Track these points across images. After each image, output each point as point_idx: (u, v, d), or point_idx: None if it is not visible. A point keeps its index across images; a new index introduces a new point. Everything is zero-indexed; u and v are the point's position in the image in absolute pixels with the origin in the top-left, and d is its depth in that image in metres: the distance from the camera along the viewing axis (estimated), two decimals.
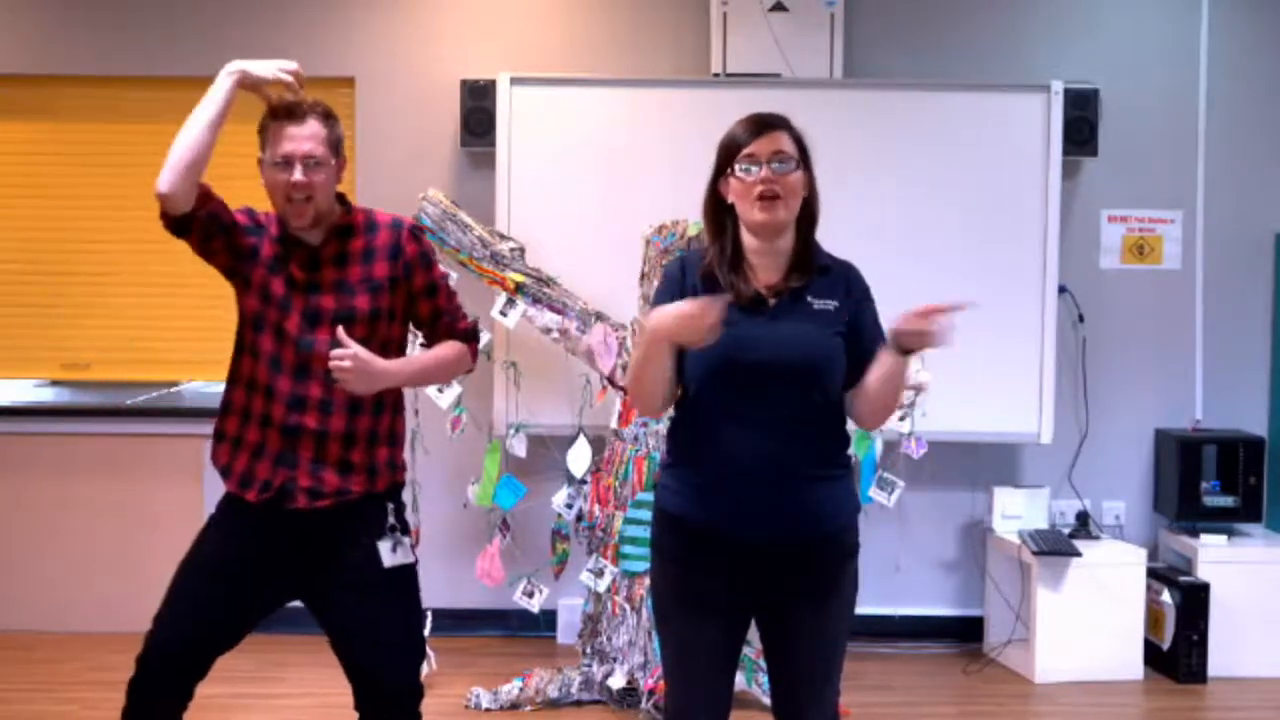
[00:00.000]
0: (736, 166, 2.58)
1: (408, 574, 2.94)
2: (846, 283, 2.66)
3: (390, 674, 2.91)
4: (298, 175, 2.80)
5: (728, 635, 2.66)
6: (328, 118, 2.87)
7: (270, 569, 2.88)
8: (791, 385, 2.55)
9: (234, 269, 2.90)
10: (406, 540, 2.93)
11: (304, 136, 2.82)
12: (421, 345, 3.10)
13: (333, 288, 2.87)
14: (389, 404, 2.95)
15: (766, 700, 4.22)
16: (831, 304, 2.61)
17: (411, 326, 3.04)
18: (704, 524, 2.59)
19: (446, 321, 3.04)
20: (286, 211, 2.84)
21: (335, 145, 2.88)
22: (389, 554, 2.88)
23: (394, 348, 2.95)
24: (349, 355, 2.75)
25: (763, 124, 2.61)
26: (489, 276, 4.57)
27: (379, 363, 2.80)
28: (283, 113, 2.83)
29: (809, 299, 2.60)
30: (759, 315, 2.58)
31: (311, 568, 2.89)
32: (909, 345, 2.50)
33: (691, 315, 2.41)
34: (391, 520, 2.92)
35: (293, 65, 2.88)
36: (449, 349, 3.03)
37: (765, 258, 2.62)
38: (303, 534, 2.86)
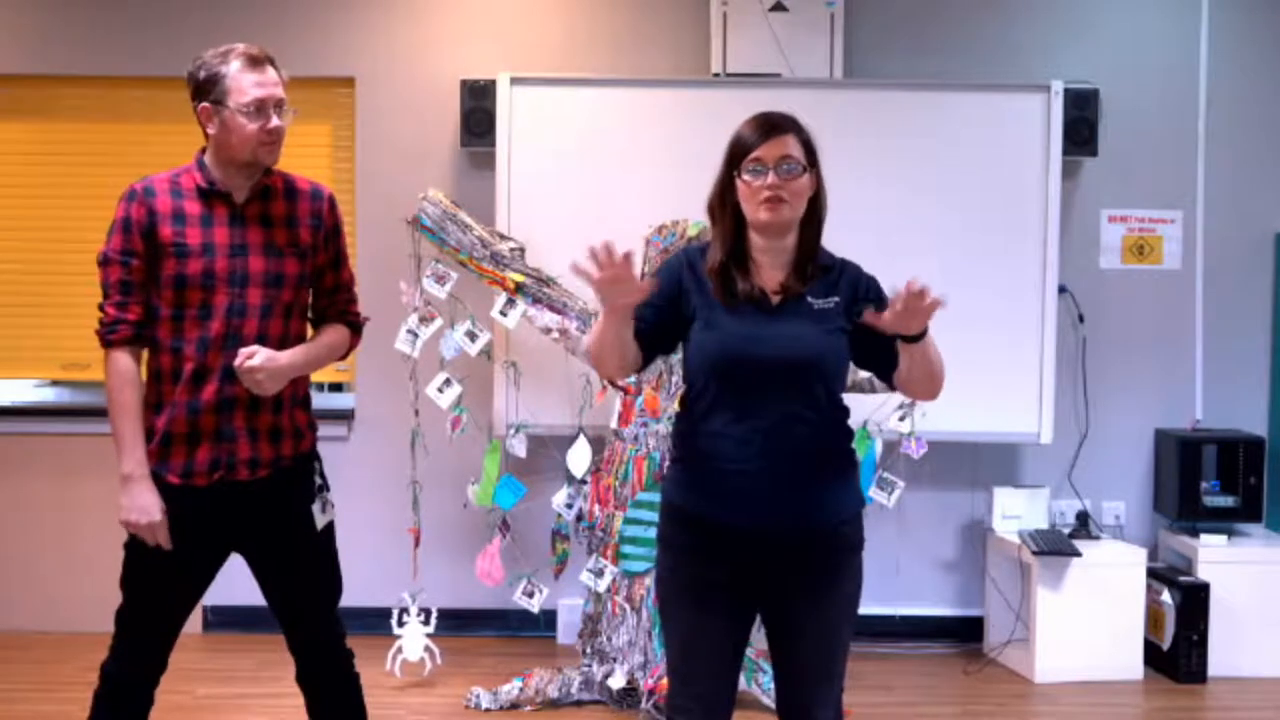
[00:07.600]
0: (743, 169, 2.59)
1: (330, 527, 3.04)
2: (851, 281, 2.67)
3: (326, 623, 3.05)
4: (276, 121, 2.82)
5: (731, 629, 2.67)
6: (277, 64, 2.89)
7: (212, 543, 2.94)
8: (791, 383, 2.58)
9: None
10: (330, 496, 3.03)
11: (272, 83, 2.84)
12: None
13: (261, 250, 2.87)
14: None
15: (766, 700, 4.23)
16: (832, 302, 2.63)
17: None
18: (706, 514, 2.61)
19: (344, 297, 3.06)
20: (257, 155, 2.82)
21: None
22: (319, 515, 2.99)
23: (299, 313, 2.98)
24: (255, 352, 2.78)
25: (770, 127, 2.61)
26: (489, 276, 4.57)
27: (283, 358, 2.84)
28: (242, 62, 2.81)
29: (809, 299, 2.63)
30: (761, 313, 2.61)
31: (249, 531, 2.94)
32: (902, 332, 2.52)
33: (604, 279, 2.46)
34: (319, 480, 3.01)
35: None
36: (338, 335, 3.05)
37: (770, 255, 2.65)
38: (240, 503, 2.90)
